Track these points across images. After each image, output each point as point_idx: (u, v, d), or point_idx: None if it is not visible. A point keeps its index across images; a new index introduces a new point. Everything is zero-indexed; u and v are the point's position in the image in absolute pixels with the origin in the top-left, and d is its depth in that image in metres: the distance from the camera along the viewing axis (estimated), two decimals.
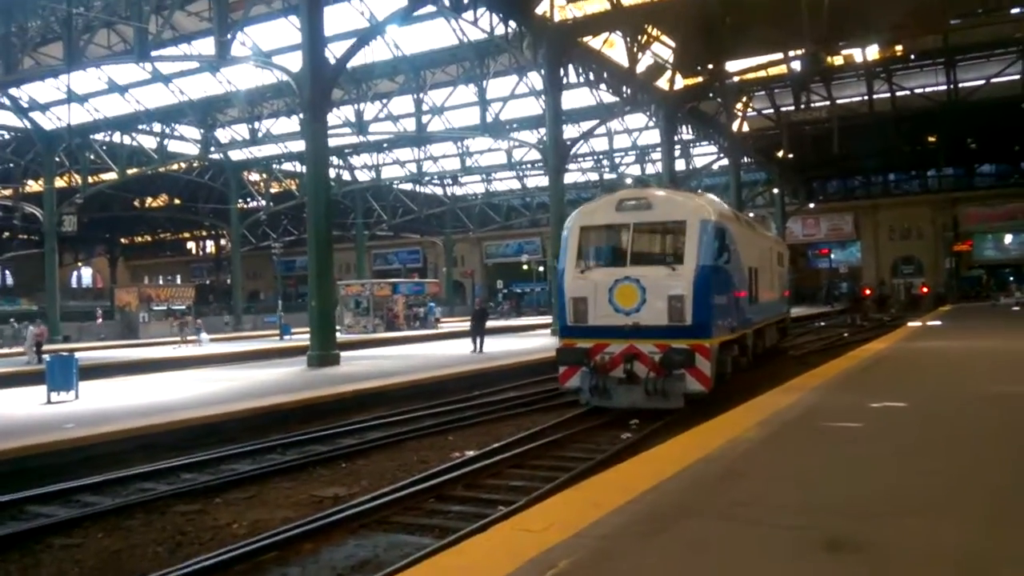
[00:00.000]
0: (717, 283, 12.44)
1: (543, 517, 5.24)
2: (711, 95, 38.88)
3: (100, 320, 48.65)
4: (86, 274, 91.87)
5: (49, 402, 14.71)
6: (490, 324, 26.83)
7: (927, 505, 5.36)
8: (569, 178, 47.54)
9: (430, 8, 27.03)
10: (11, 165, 47.06)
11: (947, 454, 7.06)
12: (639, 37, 30.19)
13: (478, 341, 23.88)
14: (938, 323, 28.64)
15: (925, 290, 58.31)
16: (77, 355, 17.05)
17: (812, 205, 62.70)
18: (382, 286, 46.08)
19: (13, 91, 37.40)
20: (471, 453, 10.41)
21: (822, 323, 39.89)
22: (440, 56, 35.27)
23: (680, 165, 47.13)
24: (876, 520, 4.94)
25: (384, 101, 38.18)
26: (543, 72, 28.92)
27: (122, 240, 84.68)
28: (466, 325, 27.53)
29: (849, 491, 5.75)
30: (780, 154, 45.63)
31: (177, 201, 63.08)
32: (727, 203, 20.78)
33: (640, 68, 30.88)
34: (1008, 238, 59.89)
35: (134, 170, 44.12)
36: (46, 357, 18.17)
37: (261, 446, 11.34)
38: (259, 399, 14.14)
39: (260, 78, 36.79)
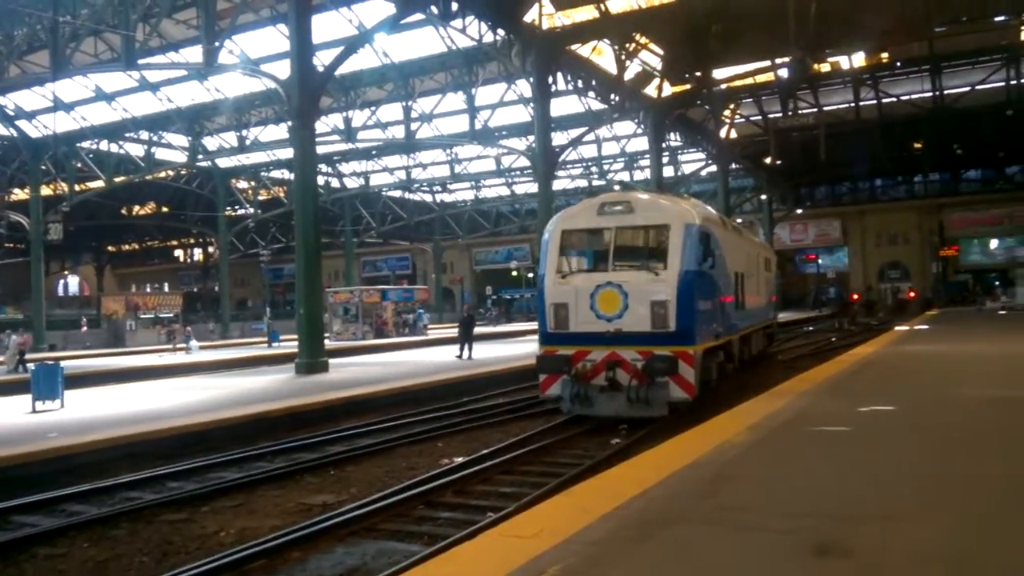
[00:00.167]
0: (701, 288, 12.22)
1: (533, 523, 5.22)
2: (699, 102, 38.99)
3: (85, 329, 48.34)
4: (73, 282, 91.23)
5: (34, 411, 14.59)
6: (479, 330, 26.83)
7: (917, 509, 5.36)
8: (558, 185, 47.64)
9: (418, 16, 27.05)
10: None
11: (936, 457, 7.08)
12: (627, 45, 30.29)
13: (466, 348, 23.84)
14: (925, 327, 28.80)
15: (912, 295, 58.70)
16: (63, 364, 16.93)
17: (800, 211, 63.05)
18: (371, 293, 45.98)
19: None
20: (460, 459, 10.37)
21: (810, 328, 40.06)
22: (429, 64, 35.27)
23: (669, 172, 47.36)
24: (865, 524, 4.94)
25: (373, 108, 38.15)
26: (532, 80, 28.93)
27: (109, 248, 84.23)
28: (455, 331, 27.49)
29: (838, 495, 5.75)
30: (768, 160, 45.76)
31: (165, 209, 62.84)
32: (715, 208, 20.76)
33: (628, 76, 30.97)
34: (994, 243, 60.39)
35: (121, 178, 43.90)
36: (31, 366, 18.03)
37: (249, 454, 11.27)
38: (247, 407, 14.06)
39: (248, 86, 36.68)
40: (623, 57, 30.23)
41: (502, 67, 32.86)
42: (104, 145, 42.70)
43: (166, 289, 78.43)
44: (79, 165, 42.82)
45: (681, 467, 6.66)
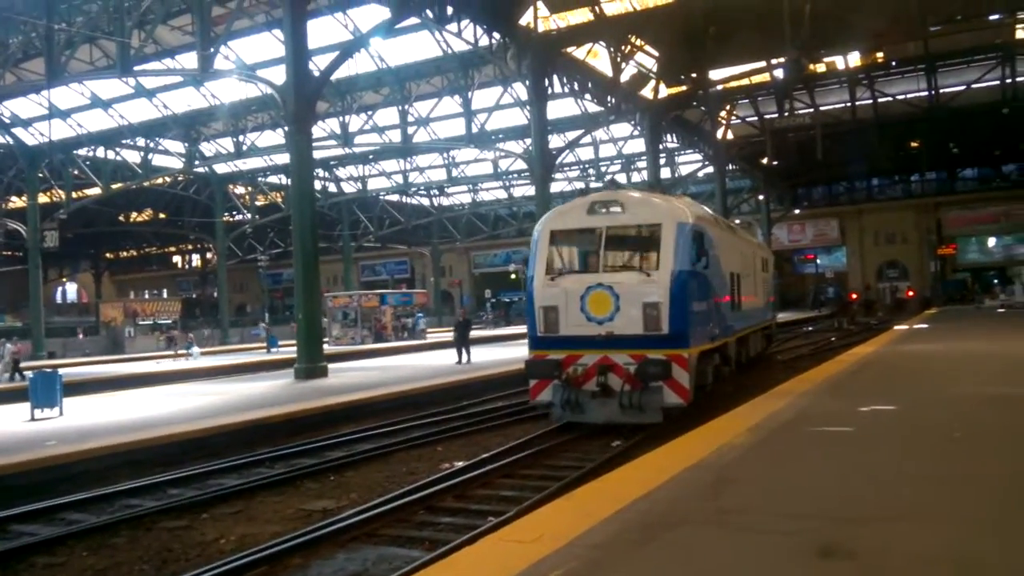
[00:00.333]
0: (695, 289, 11.86)
1: (534, 527, 5.19)
2: (695, 103, 39.06)
3: (81, 336, 48.31)
4: (71, 289, 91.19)
5: (33, 419, 14.55)
6: (478, 334, 26.77)
7: (920, 510, 5.34)
8: (555, 187, 47.58)
9: (414, 20, 27.09)
10: None
11: (939, 457, 7.06)
12: (623, 47, 30.31)
13: (463, 352, 23.77)
14: (924, 326, 28.80)
15: (911, 294, 58.76)
16: (62, 371, 16.90)
17: (797, 211, 63.13)
18: (370, 297, 45.97)
19: None
20: (460, 464, 10.35)
21: (809, 328, 40.07)
22: (424, 68, 35.31)
23: (666, 173, 47.40)
24: (869, 525, 4.92)
25: (369, 113, 38.17)
26: (528, 83, 28.97)
27: (107, 255, 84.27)
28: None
29: (840, 496, 5.73)
30: (765, 161, 45.83)
31: (162, 215, 62.79)
32: (712, 209, 20.64)
33: (624, 78, 30.99)
34: (991, 241, 60.50)
35: (118, 185, 43.86)
36: (28, 374, 17.99)
37: (248, 460, 11.23)
38: (246, 412, 14.03)
39: (244, 91, 36.71)
40: (619, 59, 30.25)
41: (498, 70, 32.90)
42: (101, 152, 42.66)
43: (164, 295, 78.38)
44: (76, 172, 42.79)
45: (682, 469, 6.63)
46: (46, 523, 8.69)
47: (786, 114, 40.93)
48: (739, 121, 45.56)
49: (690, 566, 4.40)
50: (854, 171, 57.85)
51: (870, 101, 41.09)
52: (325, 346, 23.99)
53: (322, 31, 28.67)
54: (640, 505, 5.54)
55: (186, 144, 42.39)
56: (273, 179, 53.74)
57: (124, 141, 42.30)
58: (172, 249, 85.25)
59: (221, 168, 49.16)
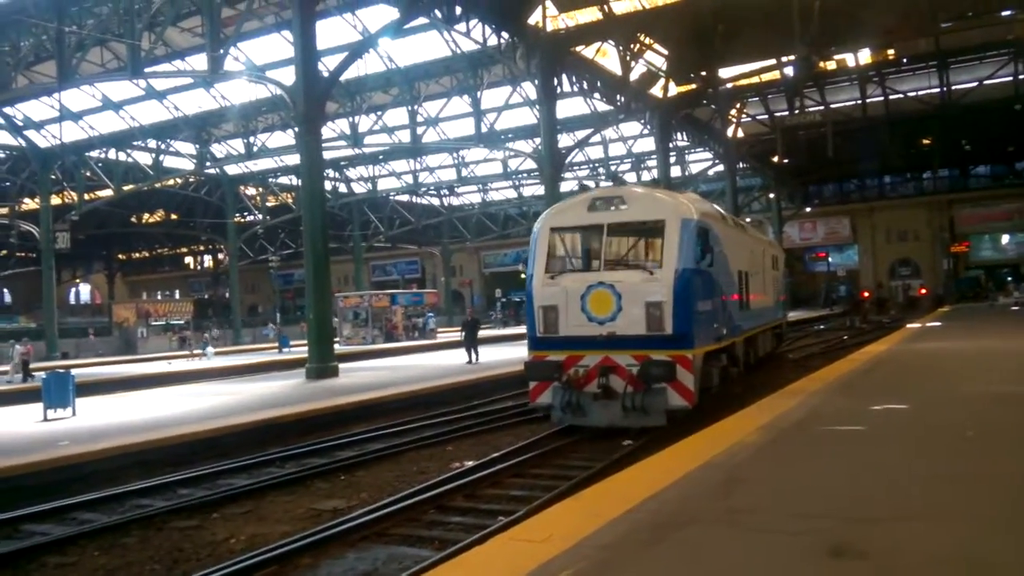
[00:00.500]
0: (700, 288, 11.46)
1: (544, 527, 5.18)
2: (705, 102, 38.94)
3: (94, 337, 48.61)
4: (84, 291, 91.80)
5: (46, 419, 14.64)
6: (488, 333, 26.75)
7: (932, 509, 5.30)
8: (565, 186, 47.44)
9: (422, 20, 27.10)
10: (7, 184, 47.02)
11: (951, 457, 7.00)
12: (631, 46, 30.26)
13: (472, 351, 23.77)
14: (937, 324, 28.61)
15: (923, 292, 58.36)
16: (74, 372, 16.99)
17: (808, 209, 62.85)
18: (380, 297, 46.07)
19: (7, 110, 37.40)
20: (470, 463, 10.34)
21: (821, 326, 39.87)
22: (434, 68, 35.34)
23: (676, 171, 47.27)
24: (880, 525, 4.89)
25: (379, 113, 38.21)
26: (537, 82, 28.95)
27: (119, 256, 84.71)
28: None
29: (852, 496, 5.69)
30: (775, 159, 45.69)
31: (174, 216, 63.05)
32: (723, 207, 20.40)
33: (633, 76, 30.92)
34: (1005, 238, 60.09)
35: (130, 186, 44.12)
36: (40, 375, 18.11)
37: (259, 460, 11.27)
38: (257, 412, 14.07)
39: (254, 92, 36.82)
40: (628, 58, 30.21)
41: (507, 70, 32.91)
42: (112, 154, 42.92)
43: (177, 296, 78.80)
44: (88, 174, 43.03)
45: (692, 469, 6.61)
46: (58, 523, 8.73)
47: (796, 112, 40.81)
48: (749, 119, 45.43)
49: (700, 566, 4.38)
50: (865, 169, 57.57)
51: (881, 98, 40.85)
52: (336, 346, 24.06)
53: (331, 32, 28.77)
54: (650, 505, 5.52)
55: (197, 145, 42.59)
56: (284, 180, 53.90)
57: (135, 143, 42.54)
58: (184, 250, 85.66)
59: (232, 169, 49.34)
